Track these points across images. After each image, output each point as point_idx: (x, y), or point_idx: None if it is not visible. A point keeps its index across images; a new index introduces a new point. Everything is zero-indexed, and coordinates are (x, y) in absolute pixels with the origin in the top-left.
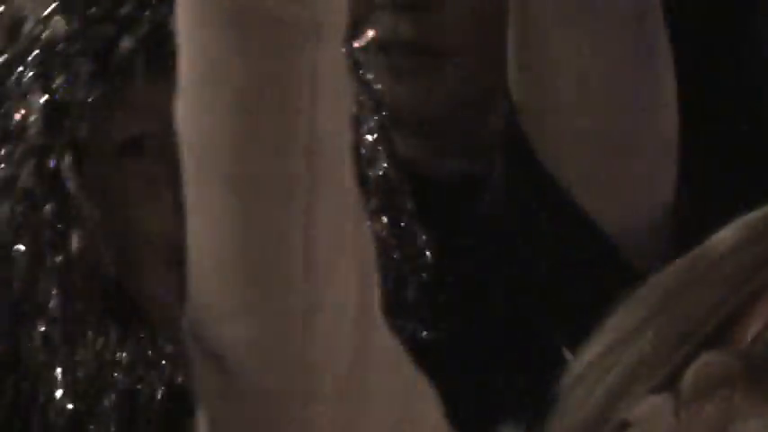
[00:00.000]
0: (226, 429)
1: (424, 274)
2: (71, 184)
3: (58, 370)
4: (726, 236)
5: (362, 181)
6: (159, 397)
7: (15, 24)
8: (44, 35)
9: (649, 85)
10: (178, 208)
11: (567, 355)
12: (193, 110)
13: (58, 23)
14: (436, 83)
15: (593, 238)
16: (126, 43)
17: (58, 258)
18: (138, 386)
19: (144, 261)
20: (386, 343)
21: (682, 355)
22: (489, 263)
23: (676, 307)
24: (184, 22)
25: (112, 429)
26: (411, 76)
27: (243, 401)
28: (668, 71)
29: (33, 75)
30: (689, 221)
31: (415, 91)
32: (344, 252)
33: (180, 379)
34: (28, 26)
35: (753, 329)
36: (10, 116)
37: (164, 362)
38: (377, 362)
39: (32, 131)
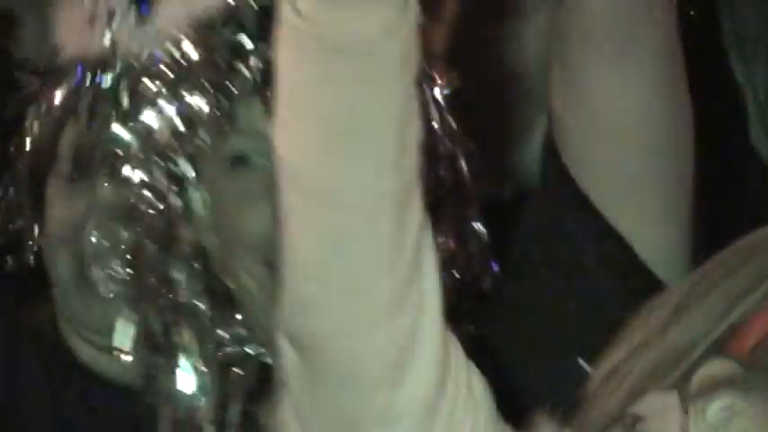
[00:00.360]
0: (309, 411)
1: (484, 285)
2: (190, 188)
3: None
4: (725, 257)
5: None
6: (251, 374)
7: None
8: (177, 57)
9: (675, 115)
10: (274, 215)
11: (584, 365)
12: (286, 128)
13: (190, 49)
14: (474, 121)
15: (625, 255)
16: (243, 72)
17: (174, 249)
18: (234, 363)
19: (242, 259)
20: (442, 341)
21: (690, 361)
22: (531, 275)
23: (686, 319)
24: (283, 54)
25: (213, 397)
26: (455, 116)
27: (324, 387)
28: (688, 101)
29: (165, 89)
30: (705, 237)
31: (457, 124)
32: (425, 259)
33: (268, 360)
34: (162, 45)
35: (752, 340)
36: (141, 123)
37: (255, 344)
38: (426, 355)
39: (161, 138)
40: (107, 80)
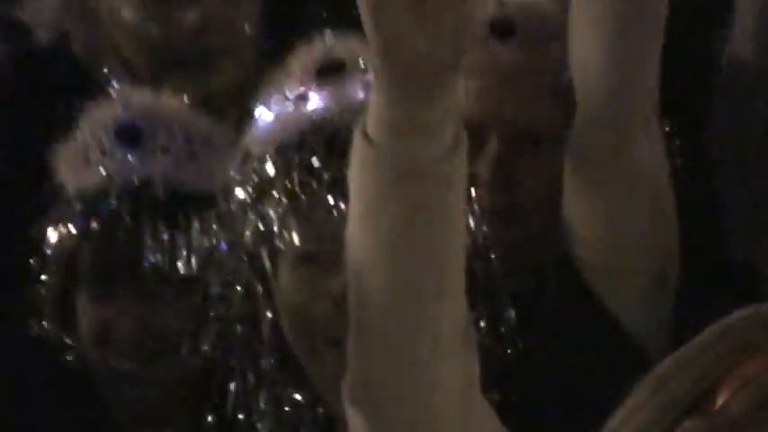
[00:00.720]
0: None
1: (510, 355)
2: (271, 281)
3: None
4: (696, 342)
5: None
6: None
7: (244, 157)
8: (260, 171)
9: (664, 231)
10: (340, 302)
11: None
12: (357, 235)
13: (270, 165)
14: (512, 231)
15: (622, 340)
16: (314, 184)
17: (257, 328)
18: (306, 423)
19: (312, 339)
20: (483, 408)
21: (669, 423)
22: (545, 354)
23: (666, 389)
24: (354, 173)
25: None
26: (493, 226)
27: None
28: (675, 221)
29: (249, 200)
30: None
31: (493, 233)
32: (458, 340)
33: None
34: (249, 160)
35: (718, 403)
36: (232, 228)
37: (320, 408)
38: (477, 421)
39: (248, 242)
40: (110, 207)
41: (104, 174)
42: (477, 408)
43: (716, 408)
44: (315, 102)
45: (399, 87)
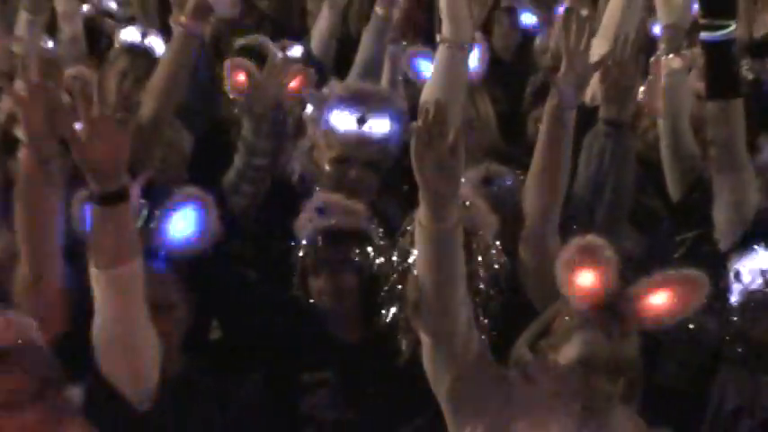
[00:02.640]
0: (428, 348)
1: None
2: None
3: None
4: (550, 307)
5: None
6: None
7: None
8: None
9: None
10: (418, 294)
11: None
12: (420, 267)
13: (408, 234)
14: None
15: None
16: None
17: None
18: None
19: (408, 309)
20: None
21: (535, 337)
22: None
23: (534, 325)
24: (416, 237)
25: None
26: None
27: (433, 340)
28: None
29: (406, 245)
30: None
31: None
32: (468, 301)
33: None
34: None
35: (554, 328)
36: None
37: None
38: (476, 336)
39: (400, 260)
40: (318, 238)
41: (312, 226)
42: (477, 333)
43: (552, 331)
44: None
45: (430, 201)
